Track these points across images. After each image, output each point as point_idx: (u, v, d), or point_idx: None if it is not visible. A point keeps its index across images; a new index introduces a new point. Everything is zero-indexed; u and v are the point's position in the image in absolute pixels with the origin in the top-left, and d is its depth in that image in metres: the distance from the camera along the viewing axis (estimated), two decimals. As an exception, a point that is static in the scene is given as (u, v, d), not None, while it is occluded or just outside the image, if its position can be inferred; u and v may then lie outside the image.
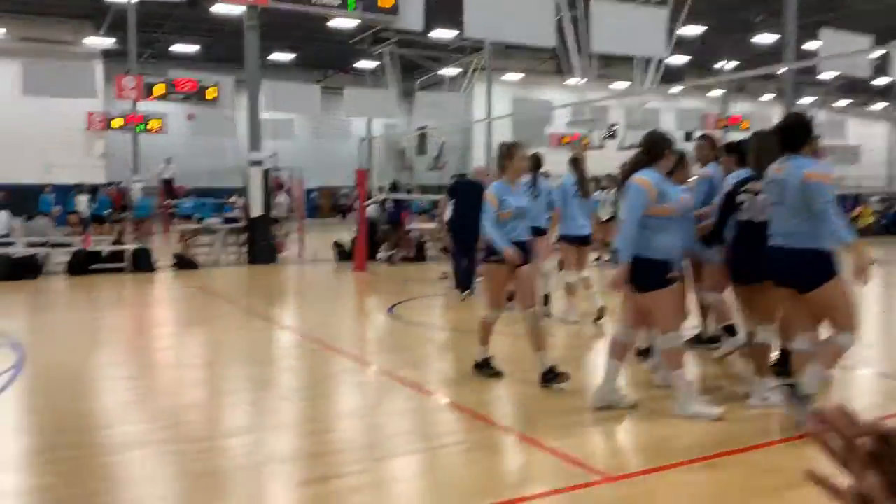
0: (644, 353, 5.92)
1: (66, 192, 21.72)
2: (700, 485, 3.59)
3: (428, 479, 3.79)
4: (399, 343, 7.29)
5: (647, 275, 4.44)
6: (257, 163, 14.36)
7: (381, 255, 14.73)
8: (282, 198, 16.83)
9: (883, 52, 18.01)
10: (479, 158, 25.13)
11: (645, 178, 4.46)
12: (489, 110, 24.79)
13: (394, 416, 4.80)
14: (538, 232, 8.13)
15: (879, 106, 39.01)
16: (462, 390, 5.26)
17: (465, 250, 9.63)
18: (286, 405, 5.08)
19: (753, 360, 4.90)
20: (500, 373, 5.52)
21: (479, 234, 9.41)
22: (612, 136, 25.40)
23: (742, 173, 4.99)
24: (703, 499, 3.43)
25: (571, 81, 22.35)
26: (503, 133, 23.54)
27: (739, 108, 33.63)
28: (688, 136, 25.56)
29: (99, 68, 25.96)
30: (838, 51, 15.29)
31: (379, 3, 14.00)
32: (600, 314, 7.63)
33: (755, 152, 4.81)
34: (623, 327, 4.81)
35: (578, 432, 4.34)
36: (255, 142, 14.60)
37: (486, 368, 5.54)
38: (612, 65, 30.00)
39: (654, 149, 4.60)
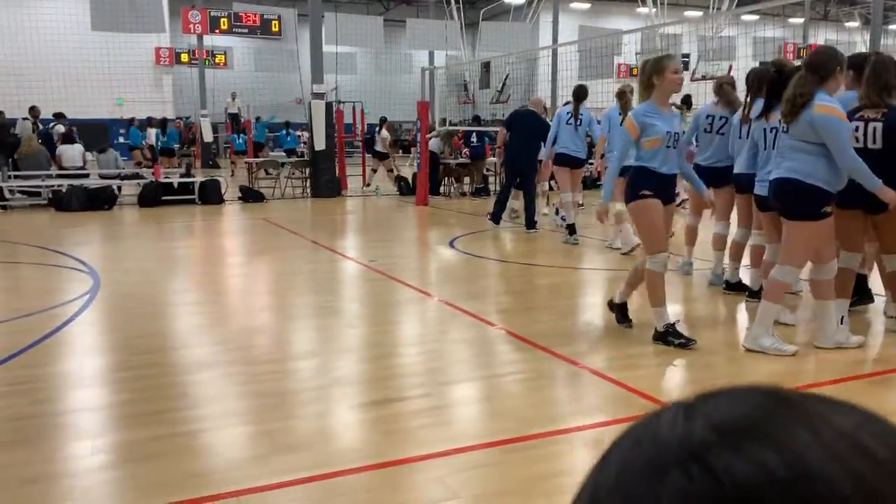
0: (738, 287, 5.84)
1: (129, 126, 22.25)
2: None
3: (489, 404, 3.79)
4: (461, 275, 7.28)
5: (802, 202, 4.16)
6: (320, 95, 14.34)
7: (461, 188, 14.81)
8: (385, 133, 16.91)
9: None
10: (544, 91, 24.56)
11: (834, 106, 4.06)
12: (555, 39, 24.05)
13: (455, 344, 4.82)
14: (579, 163, 8.54)
15: (977, 33, 36.29)
16: (524, 321, 5.22)
17: (521, 183, 9.55)
18: (351, 331, 5.15)
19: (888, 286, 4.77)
20: (690, 340, 4.50)
21: (535, 167, 9.47)
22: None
23: (847, 97, 4.70)
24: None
25: (643, 10, 21.48)
26: (569, 65, 22.86)
27: (822, 36, 31.80)
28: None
29: (165, 3, 26.16)
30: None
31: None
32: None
33: (869, 78, 4.49)
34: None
35: (641, 364, 4.27)
36: (317, 75, 14.54)
37: (672, 336, 4.52)
38: (685, -9, 28.64)
39: (823, 68, 4.13)
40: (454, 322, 5.36)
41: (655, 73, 4.44)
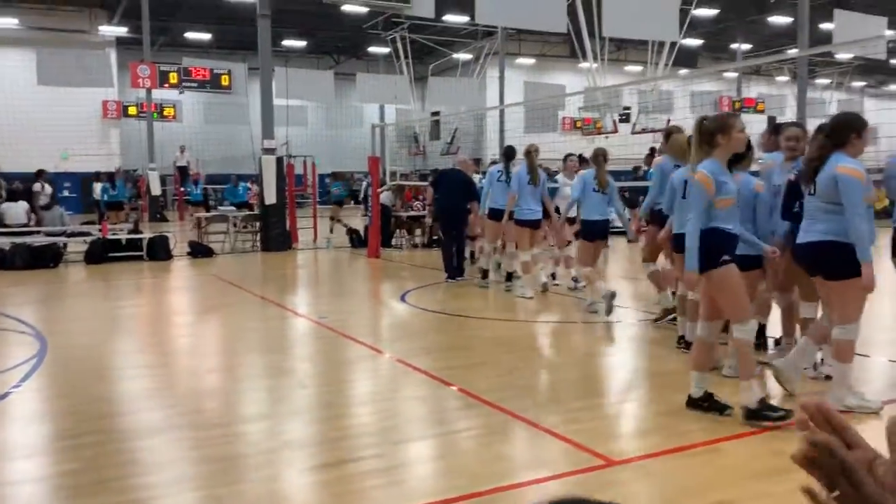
0: (687, 345, 5.97)
1: (82, 181, 22.04)
2: (702, 468, 3.67)
3: (440, 463, 3.88)
4: (413, 330, 7.39)
5: (842, 261, 4.23)
6: (270, 150, 14.46)
7: (412, 240, 15.06)
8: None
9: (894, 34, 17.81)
10: (492, 144, 25.14)
11: (855, 167, 4.23)
12: (502, 96, 24.68)
13: (407, 402, 4.91)
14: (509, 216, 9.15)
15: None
16: (472, 377, 5.34)
17: (454, 238, 10.21)
18: (302, 391, 5.19)
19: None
20: (726, 407, 4.36)
21: (464, 220, 9.95)
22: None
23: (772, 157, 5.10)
24: (704, 481, 3.50)
25: (584, 65, 22.29)
26: (516, 118, 23.49)
27: (754, 90, 33.36)
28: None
29: (113, 57, 26.13)
30: (852, 32, 15.15)
31: (391, -9, 14.00)
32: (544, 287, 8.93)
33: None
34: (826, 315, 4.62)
35: (585, 418, 4.41)
36: (268, 129, 14.69)
37: (707, 403, 4.37)
38: (625, 47, 29.80)
39: (835, 135, 4.32)
40: (406, 379, 5.45)
41: (721, 132, 4.28)
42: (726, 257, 4.25)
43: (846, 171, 4.19)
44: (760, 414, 4.17)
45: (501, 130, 23.83)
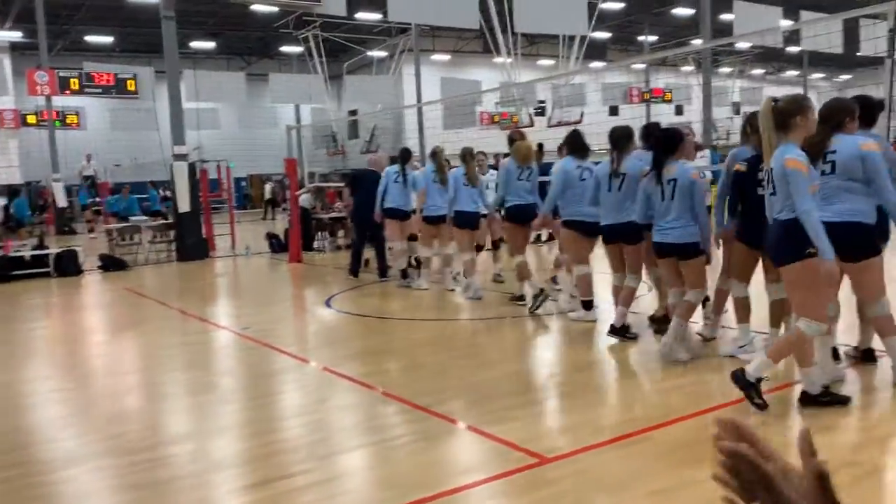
0: (614, 331, 6.05)
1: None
2: (634, 459, 3.74)
3: (372, 473, 3.84)
4: (338, 336, 7.29)
5: (866, 242, 4.20)
6: (182, 157, 14.00)
7: (335, 242, 14.89)
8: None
9: (792, 25, 18.69)
10: (412, 141, 25.10)
11: (872, 141, 4.25)
12: (419, 93, 24.71)
13: (336, 412, 4.83)
14: (406, 215, 9.64)
15: (793, 73, 40.60)
16: (402, 381, 5.31)
17: (370, 238, 10.41)
18: (227, 408, 5.04)
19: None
20: (846, 398, 4.29)
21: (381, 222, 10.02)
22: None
23: (746, 151, 5.23)
24: (637, 473, 3.57)
25: (499, 60, 22.52)
26: (434, 115, 23.52)
27: (662, 80, 34.44)
28: (613, 111, 26.08)
29: (7, 63, 24.78)
30: (751, 22, 15.84)
31: (300, -11, 13.78)
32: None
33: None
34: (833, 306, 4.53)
35: (515, 416, 4.44)
36: (178, 135, 14.21)
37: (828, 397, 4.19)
38: (537, 42, 30.27)
39: (831, 119, 4.34)
40: (333, 388, 5.37)
41: (800, 113, 4.06)
42: (812, 249, 3.95)
43: (871, 147, 4.26)
44: (821, 400, 4.14)
45: (420, 128, 23.85)
